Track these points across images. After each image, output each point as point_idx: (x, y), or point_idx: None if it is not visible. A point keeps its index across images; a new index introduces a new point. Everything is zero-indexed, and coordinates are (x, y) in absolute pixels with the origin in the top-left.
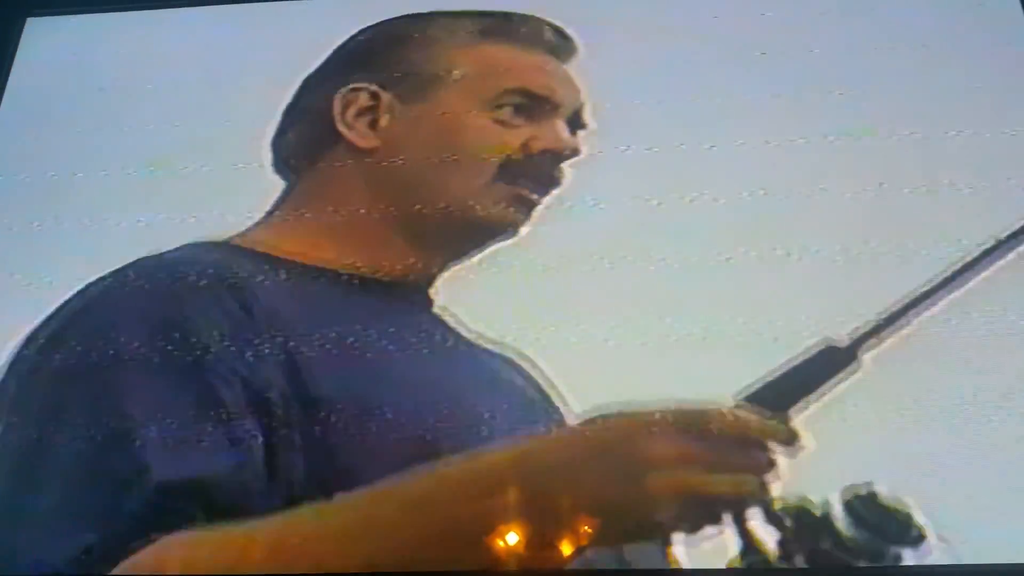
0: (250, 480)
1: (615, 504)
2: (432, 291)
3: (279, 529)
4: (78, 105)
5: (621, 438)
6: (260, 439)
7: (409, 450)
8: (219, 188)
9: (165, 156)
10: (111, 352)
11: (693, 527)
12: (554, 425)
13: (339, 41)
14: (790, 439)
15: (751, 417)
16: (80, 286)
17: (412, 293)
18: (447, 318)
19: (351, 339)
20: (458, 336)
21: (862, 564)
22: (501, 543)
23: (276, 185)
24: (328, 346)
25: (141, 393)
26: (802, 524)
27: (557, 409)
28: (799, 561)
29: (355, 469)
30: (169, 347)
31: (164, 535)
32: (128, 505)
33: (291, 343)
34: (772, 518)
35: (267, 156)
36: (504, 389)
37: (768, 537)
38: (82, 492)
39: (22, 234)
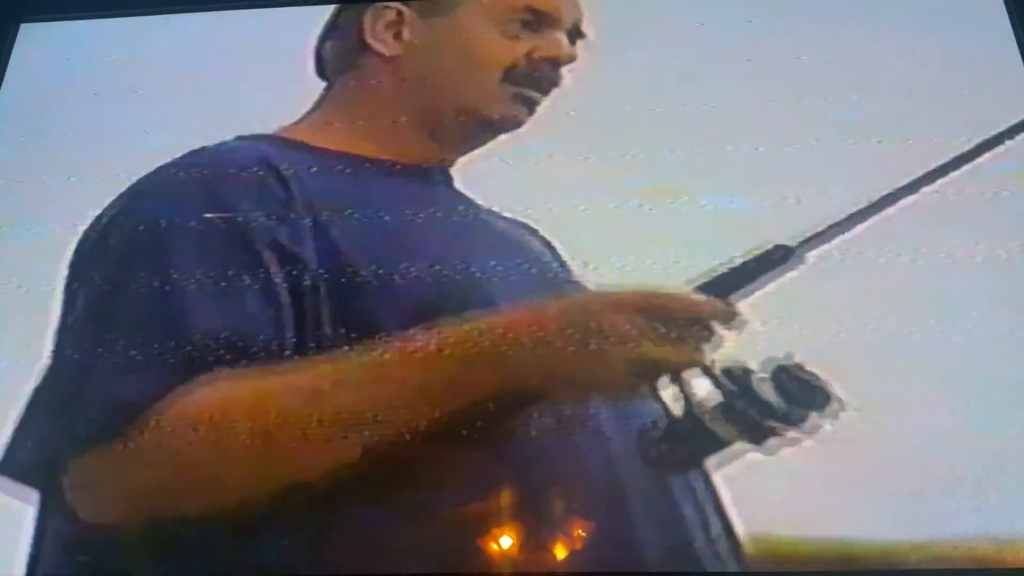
0: (280, 329)
1: (578, 366)
2: (452, 172)
3: (303, 376)
4: (71, 110)
5: (589, 311)
6: (290, 296)
7: (424, 307)
8: None
9: (157, 162)
10: (165, 227)
11: (640, 383)
12: (569, 284)
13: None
14: (731, 318)
15: (700, 298)
16: None
17: (433, 174)
18: (465, 190)
19: (377, 210)
20: (476, 206)
21: (768, 421)
22: (494, 400)
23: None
24: (356, 217)
25: (190, 257)
26: (730, 386)
27: (570, 270)
28: (717, 412)
29: (374, 323)
30: (216, 220)
31: (203, 374)
32: (176, 346)
33: (324, 215)
34: (708, 379)
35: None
36: (518, 251)
37: (701, 394)
38: (138, 338)
39: (15, 237)
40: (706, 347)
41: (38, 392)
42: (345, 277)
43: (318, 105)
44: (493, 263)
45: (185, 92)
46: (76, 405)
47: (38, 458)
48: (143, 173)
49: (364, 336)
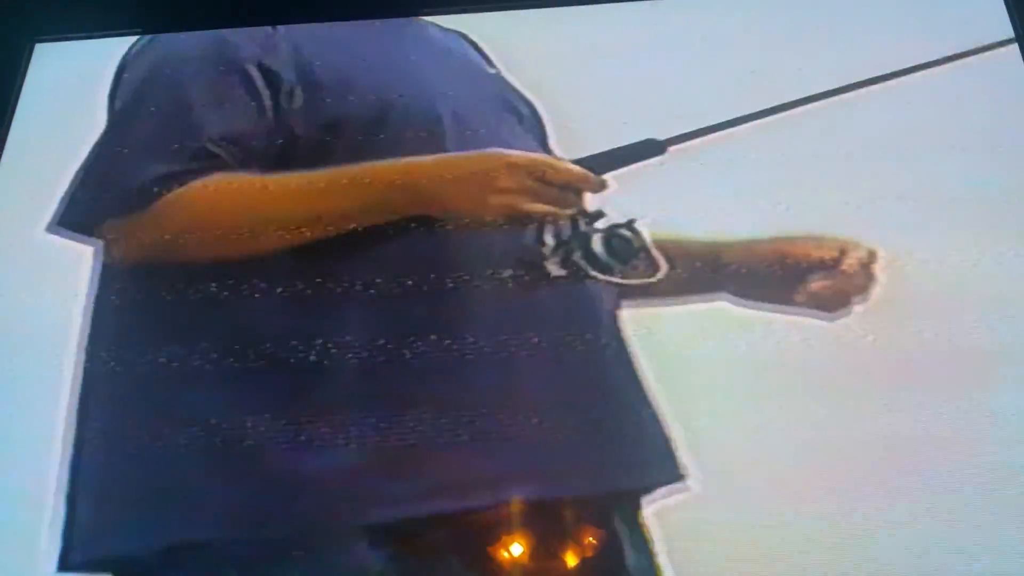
0: (266, 134)
1: (470, 208)
2: None
3: (275, 187)
4: (85, 127)
5: (485, 167)
6: (271, 105)
7: (380, 109)
8: None
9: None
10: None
11: (513, 226)
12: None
13: None
14: (599, 188)
15: (576, 169)
16: None
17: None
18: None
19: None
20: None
21: (590, 270)
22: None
23: None
24: (325, 40)
25: (198, 86)
26: (573, 239)
27: (496, 68)
28: (557, 258)
29: (337, 124)
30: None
31: (207, 169)
32: (185, 149)
33: (301, 43)
34: (560, 231)
35: None
36: (455, 53)
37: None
38: (156, 144)
39: (29, 252)
40: (571, 208)
41: (88, 170)
42: (316, 94)
43: None
44: (434, 61)
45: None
46: (114, 180)
47: (89, 217)
48: None
49: (329, 134)
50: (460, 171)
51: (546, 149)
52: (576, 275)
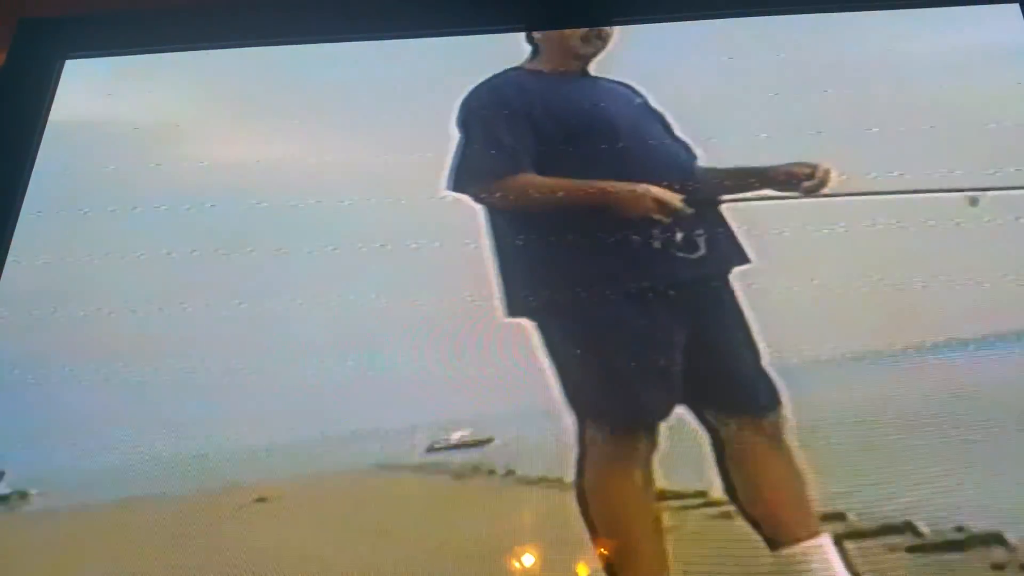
0: (530, 146)
1: (624, 211)
2: (588, 69)
3: (547, 182)
4: (114, 144)
5: (637, 193)
6: (532, 131)
7: (585, 130)
8: (253, 225)
9: (195, 191)
10: (486, 106)
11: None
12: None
13: (365, 83)
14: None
15: (681, 206)
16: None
17: (583, 71)
18: (594, 74)
19: (565, 94)
20: (602, 79)
21: (670, 249)
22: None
23: None
24: (555, 97)
25: (497, 118)
26: (665, 231)
27: (661, 113)
28: (659, 240)
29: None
30: (499, 101)
31: (516, 174)
32: (502, 148)
33: (544, 99)
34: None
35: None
36: (627, 96)
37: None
38: (486, 151)
39: (59, 269)
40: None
41: (457, 160)
42: (555, 126)
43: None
44: (610, 98)
45: (226, 125)
46: (473, 165)
47: (461, 185)
48: (182, 200)
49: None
50: (625, 192)
51: (679, 145)
52: (665, 249)
